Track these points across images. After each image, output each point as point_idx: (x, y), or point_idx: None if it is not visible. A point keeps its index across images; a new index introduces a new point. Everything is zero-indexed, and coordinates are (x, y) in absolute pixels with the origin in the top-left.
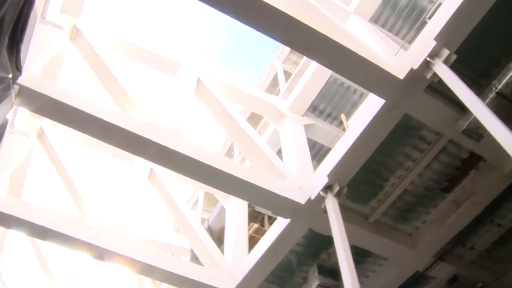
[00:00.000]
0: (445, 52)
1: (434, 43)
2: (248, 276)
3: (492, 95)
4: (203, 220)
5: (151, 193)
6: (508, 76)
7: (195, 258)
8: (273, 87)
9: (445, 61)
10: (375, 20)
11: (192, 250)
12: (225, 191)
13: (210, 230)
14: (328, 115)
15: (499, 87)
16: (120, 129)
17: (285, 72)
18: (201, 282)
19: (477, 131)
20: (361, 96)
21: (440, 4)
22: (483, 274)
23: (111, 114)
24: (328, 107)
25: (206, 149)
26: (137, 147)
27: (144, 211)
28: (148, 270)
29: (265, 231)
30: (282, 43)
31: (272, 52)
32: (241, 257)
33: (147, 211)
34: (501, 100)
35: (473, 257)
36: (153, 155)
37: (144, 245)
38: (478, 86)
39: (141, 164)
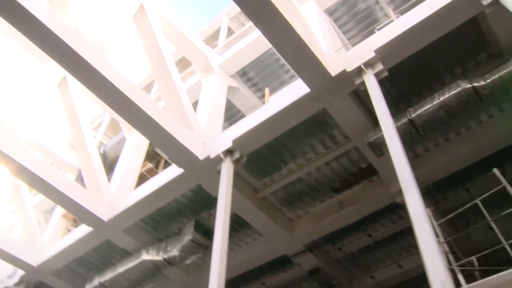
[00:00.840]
0: (379, 66)
1: (373, 54)
2: (126, 211)
3: (404, 120)
4: (101, 144)
5: (56, 100)
6: (423, 109)
7: (80, 179)
8: (212, 39)
9: (376, 74)
10: (330, 12)
11: (80, 170)
12: (130, 123)
13: (104, 156)
14: (254, 85)
15: (413, 115)
16: (43, 26)
17: (229, 29)
18: (78, 204)
19: (380, 147)
20: (292, 77)
21: (392, 21)
22: (341, 273)
23: (36, 7)
24: (257, 77)
25: (125, 76)
26: (56, 51)
27: (44, 117)
28: (27, 175)
29: (157, 173)
30: (233, 0)
31: (225, 7)
32: (125, 191)
33: (47, 118)
34: (410, 127)
35: (338, 256)
36: (69, 64)
37: (30, 149)
38: (397, 107)
39: (55, 69)
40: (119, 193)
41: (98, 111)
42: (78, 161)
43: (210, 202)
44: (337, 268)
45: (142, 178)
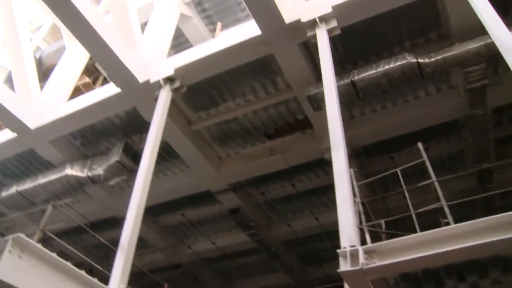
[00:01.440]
0: (334, 23)
1: (330, 10)
2: (55, 122)
3: (347, 80)
4: (38, 49)
5: None
6: (367, 73)
7: (9, 82)
8: None
9: (329, 30)
10: None
11: (11, 72)
12: (71, 31)
13: (40, 62)
14: (208, 17)
15: (356, 78)
16: None
17: None
18: (3, 106)
19: (319, 102)
20: (247, 17)
21: None
22: (260, 217)
23: None
24: (211, 9)
25: None
26: None
27: None
28: None
29: (93, 89)
30: None
31: None
32: (57, 101)
33: None
34: (351, 88)
35: (260, 200)
36: None
37: None
38: (342, 67)
39: None
40: (50, 104)
41: (39, 13)
42: (10, 62)
43: (142, 126)
44: (257, 212)
45: (77, 92)
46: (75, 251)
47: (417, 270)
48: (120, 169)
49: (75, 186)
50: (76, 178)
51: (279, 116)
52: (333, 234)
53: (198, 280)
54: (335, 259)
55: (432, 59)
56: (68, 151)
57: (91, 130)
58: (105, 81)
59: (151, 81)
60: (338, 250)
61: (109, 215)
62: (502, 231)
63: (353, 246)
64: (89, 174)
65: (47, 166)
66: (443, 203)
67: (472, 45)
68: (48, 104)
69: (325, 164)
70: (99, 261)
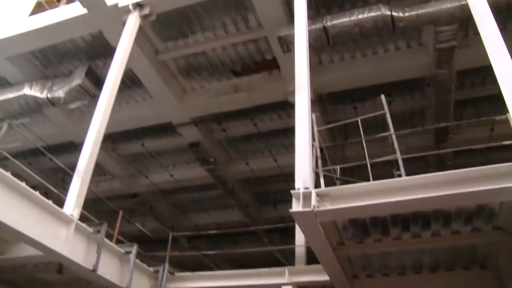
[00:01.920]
0: None
1: None
2: (14, 38)
3: (319, 25)
4: None
5: None
6: (340, 21)
7: None
8: None
9: None
10: None
11: None
12: None
13: None
14: None
15: (329, 24)
16: None
17: None
18: None
19: (289, 44)
20: None
21: None
22: (219, 153)
23: None
24: None
25: None
26: None
27: None
28: None
29: (57, 6)
30: None
31: None
32: (17, 16)
33: None
34: (322, 34)
35: (220, 137)
36: None
37: None
38: (316, 11)
39: None
40: (10, 17)
41: None
42: None
43: (108, 51)
44: (217, 148)
45: (39, 8)
46: (31, 173)
47: (365, 217)
48: (82, 93)
49: (33, 107)
50: (35, 98)
51: (247, 55)
52: (290, 176)
53: (154, 210)
54: (289, 201)
55: (406, 14)
56: (28, 70)
57: (53, 51)
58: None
59: (120, 4)
60: (291, 191)
61: (68, 139)
62: (447, 187)
63: (307, 188)
64: (49, 95)
65: (3, 83)
66: (398, 155)
67: (447, 4)
68: (7, 19)
69: (288, 107)
70: (55, 185)
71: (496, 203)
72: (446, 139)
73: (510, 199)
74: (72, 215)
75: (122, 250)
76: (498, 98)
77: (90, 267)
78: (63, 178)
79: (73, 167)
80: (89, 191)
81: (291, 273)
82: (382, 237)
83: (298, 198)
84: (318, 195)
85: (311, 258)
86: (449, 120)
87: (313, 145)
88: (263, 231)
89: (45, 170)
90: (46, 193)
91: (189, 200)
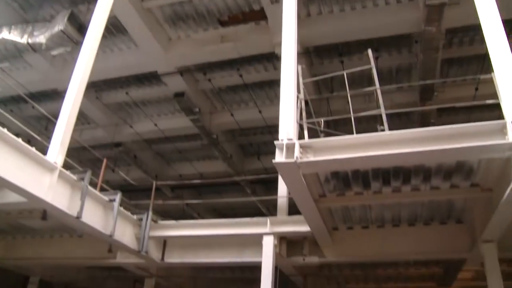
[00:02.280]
0: None
1: None
2: None
3: None
4: None
5: None
6: None
7: None
8: None
9: None
10: None
11: None
12: None
13: None
14: None
15: None
16: None
17: None
18: None
19: None
20: None
21: None
22: (204, 104)
23: None
24: None
25: None
26: None
27: None
28: None
29: None
30: None
31: None
32: None
33: None
34: None
35: (206, 87)
36: None
37: None
38: None
39: None
40: None
41: None
42: None
43: None
44: (202, 98)
45: None
46: (14, 120)
47: (347, 170)
48: (64, 40)
49: (13, 52)
50: (14, 43)
51: (235, 4)
52: (274, 128)
53: (138, 160)
54: (273, 153)
55: None
56: (6, 13)
57: None
58: None
59: None
60: (275, 142)
61: (51, 87)
62: (428, 143)
63: (290, 139)
64: (30, 41)
65: None
66: (382, 110)
67: None
68: None
69: (274, 59)
70: (38, 133)
71: (475, 160)
72: (432, 97)
73: (489, 156)
74: (55, 162)
75: (106, 198)
76: (485, 58)
77: (74, 214)
78: (46, 127)
79: (56, 115)
80: (73, 139)
81: (273, 223)
82: (363, 191)
83: (281, 149)
84: (301, 146)
85: (293, 211)
86: (435, 78)
87: (298, 97)
88: (246, 182)
89: (28, 118)
90: (29, 141)
91: (173, 150)
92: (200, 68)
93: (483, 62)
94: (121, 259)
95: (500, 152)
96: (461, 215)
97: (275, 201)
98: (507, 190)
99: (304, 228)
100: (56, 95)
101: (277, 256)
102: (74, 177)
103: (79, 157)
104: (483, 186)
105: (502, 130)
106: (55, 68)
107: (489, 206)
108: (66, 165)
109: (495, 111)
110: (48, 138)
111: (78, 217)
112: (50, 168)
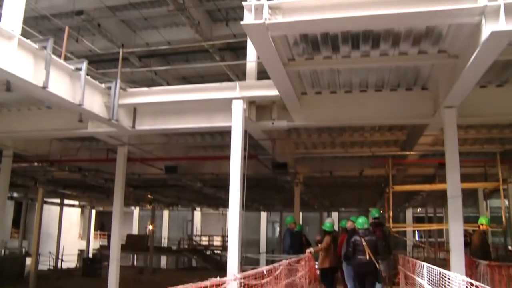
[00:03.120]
0: None
1: None
2: None
3: None
4: None
5: None
6: None
7: None
8: None
9: None
10: None
11: None
12: None
13: None
14: None
15: None
16: None
17: None
18: None
19: None
20: None
21: None
22: None
23: None
24: None
25: None
26: None
27: None
28: None
29: None
30: None
31: None
32: None
33: None
34: None
35: None
36: None
37: None
38: None
39: None
40: None
41: None
42: None
43: None
44: None
45: None
46: None
47: (316, 33)
48: None
49: None
50: None
51: None
52: None
53: (102, 28)
54: (242, 18)
55: None
56: None
57: None
58: None
59: None
60: (243, 3)
61: None
62: (399, 5)
63: (259, 0)
64: None
65: None
66: None
67: None
68: None
69: None
70: None
71: (445, 25)
72: None
73: (459, 21)
74: (12, 30)
75: (72, 67)
76: None
77: (40, 84)
78: None
79: None
80: (28, 7)
81: (242, 87)
82: (332, 54)
83: (250, 10)
84: (270, 7)
85: (262, 77)
86: None
87: None
88: (215, 49)
89: None
90: None
91: (139, 17)
92: None
93: None
94: (92, 128)
95: (470, 16)
96: (426, 82)
97: (245, 69)
98: (472, 56)
99: (273, 92)
100: None
101: (247, 120)
102: (35, 45)
103: (38, 27)
104: (450, 52)
105: None
106: None
107: (454, 72)
108: (25, 35)
109: None
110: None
111: (45, 87)
112: (7, 36)
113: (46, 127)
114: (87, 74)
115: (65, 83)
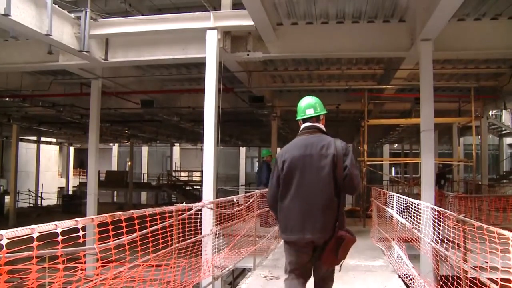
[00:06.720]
0: None
1: None
2: None
3: None
4: None
5: None
6: None
7: None
8: None
9: None
10: None
11: None
12: None
13: None
14: None
15: None
16: None
17: None
18: None
19: None
20: None
21: None
22: None
23: None
24: None
25: None
26: None
27: None
28: None
29: None
30: None
31: None
32: None
33: None
34: None
35: None
36: None
37: None
38: None
39: None
40: None
41: None
42: None
43: None
44: None
45: None
46: None
47: None
48: None
49: None
50: None
51: None
52: None
53: None
54: None
55: None
56: None
57: None
58: None
59: None
60: None
61: None
62: None
63: None
64: None
65: None
66: None
67: None
68: None
69: None
70: None
71: None
72: None
73: None
74: None
75: None
76: None
77: (1, 11)
78: None
79: None
80: None
81: (216, 17)
82: None
83: None
84: None
85: (238, 9)
86: None
87: None
88: None
89: None
90: None
91: None
92: None
93: None
94: (63, 61)
95: None
96: (404, 14)
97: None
98: None
99: (248, 22)
100: None
101: (221, 51)
102: None
103: None
104: None
105: None
106: None
107: (432, 4)
108: None
109: None
110: None
111: (7, 14)
112: None
113: (15, 60)
114: (54, 3)
115: (30, 11)
